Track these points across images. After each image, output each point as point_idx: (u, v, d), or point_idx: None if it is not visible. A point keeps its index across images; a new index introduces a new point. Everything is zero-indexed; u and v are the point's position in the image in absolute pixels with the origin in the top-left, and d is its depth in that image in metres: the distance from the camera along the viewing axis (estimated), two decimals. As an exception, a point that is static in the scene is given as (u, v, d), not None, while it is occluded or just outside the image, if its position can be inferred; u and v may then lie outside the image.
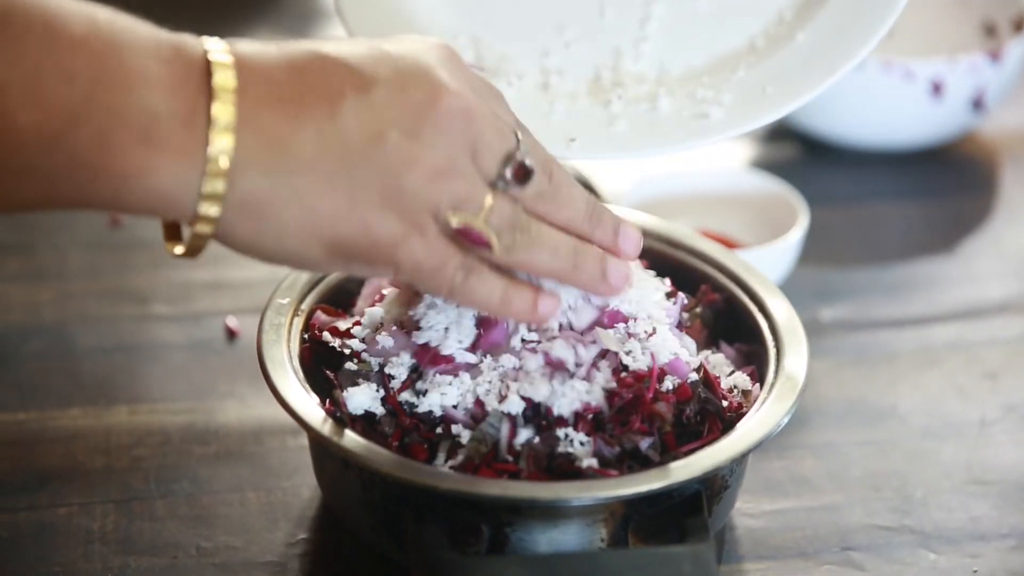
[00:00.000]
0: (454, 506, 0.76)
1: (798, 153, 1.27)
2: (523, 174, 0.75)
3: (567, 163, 0.99)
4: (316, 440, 0.81)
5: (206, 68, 0.69)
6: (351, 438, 0.78)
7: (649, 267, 0.88)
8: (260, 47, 0.72)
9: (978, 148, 1.29)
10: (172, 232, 0.75)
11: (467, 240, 0.74)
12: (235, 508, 0.88)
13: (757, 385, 0.84)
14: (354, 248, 0.72)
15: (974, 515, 0.90)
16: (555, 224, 0.77)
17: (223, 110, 0.69)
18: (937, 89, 1.21)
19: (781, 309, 0.88)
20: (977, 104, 1.23)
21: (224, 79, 0.69)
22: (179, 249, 0.74)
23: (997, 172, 1.27)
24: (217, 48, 0.70)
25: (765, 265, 0.93)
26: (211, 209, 0.69)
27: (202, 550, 0.85)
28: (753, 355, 0.87)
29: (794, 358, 0.84)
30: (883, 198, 1.23)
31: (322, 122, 0.70)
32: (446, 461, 0.78)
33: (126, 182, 0.68)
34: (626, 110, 0.90)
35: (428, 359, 0.80)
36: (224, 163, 0.69)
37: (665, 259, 0.93)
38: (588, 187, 1.01)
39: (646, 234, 0.94)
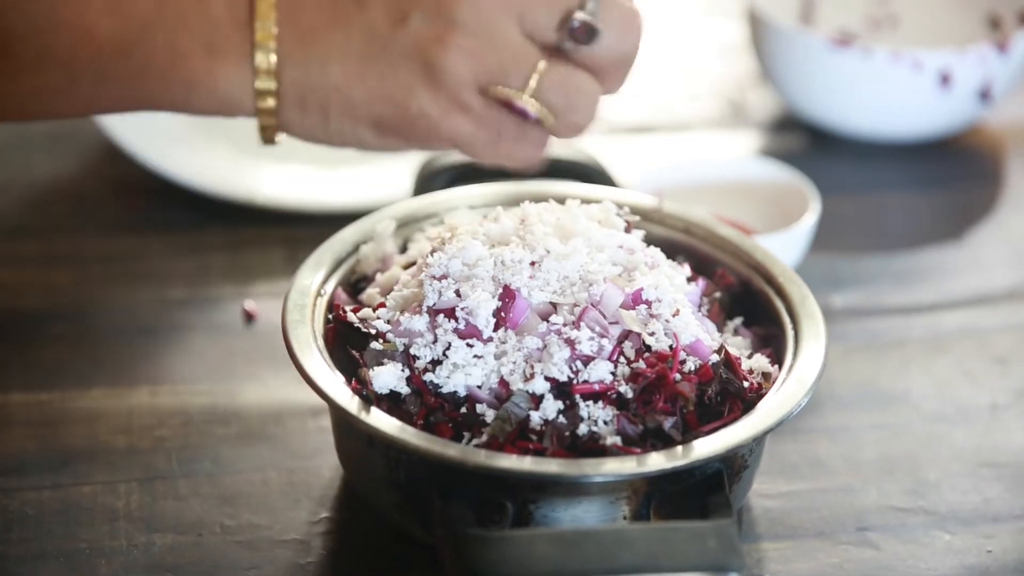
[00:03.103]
0: (480, 483, 0.77)
1: (806, 143, 1.28)
2: (584, 33, 0.74)
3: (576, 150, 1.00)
4: (342, 418, 0.81)
5: None
6: (378, 416, 0.79)
7: (665, 253, 0.89)
8: None
9: (984, 139, 1.30)
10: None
11: (513, 112, 0.75)
12: (257, 487, 0.89)
13: (776, 367, 0.85)
14: (398, 126, 0.75)
15: (987, 496, 0.91)
16: None
17: (266, 10, 0.73)
18: (945, 80, 1.22)
19: (797, 292, 0.89)
20: (984, 95, 1.24)
21: None
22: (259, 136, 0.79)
23: (1003, 162, 1.28)
24: None
25: (778, 252, 0.94)
26: (267, 103, 0.75)
27: (226, 528, 0.86)
28: (771, 338, 0.88)
29: (812, 340, 0.85)
30: (891, 188, 1.24)
31: (351, 10, 0.74)
32: (471, 440, 0.79)
33: (193, 88, 0.74)
34: None
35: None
36: (271, 60, 0.74)
37: (681, 245, 0.94)
38: (602, 175, 1.02)
39: (662, 220, 0.95)
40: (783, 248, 1.04)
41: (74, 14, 0.72)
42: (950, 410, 0.98)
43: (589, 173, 1.01)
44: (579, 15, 0.74)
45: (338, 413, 0.81)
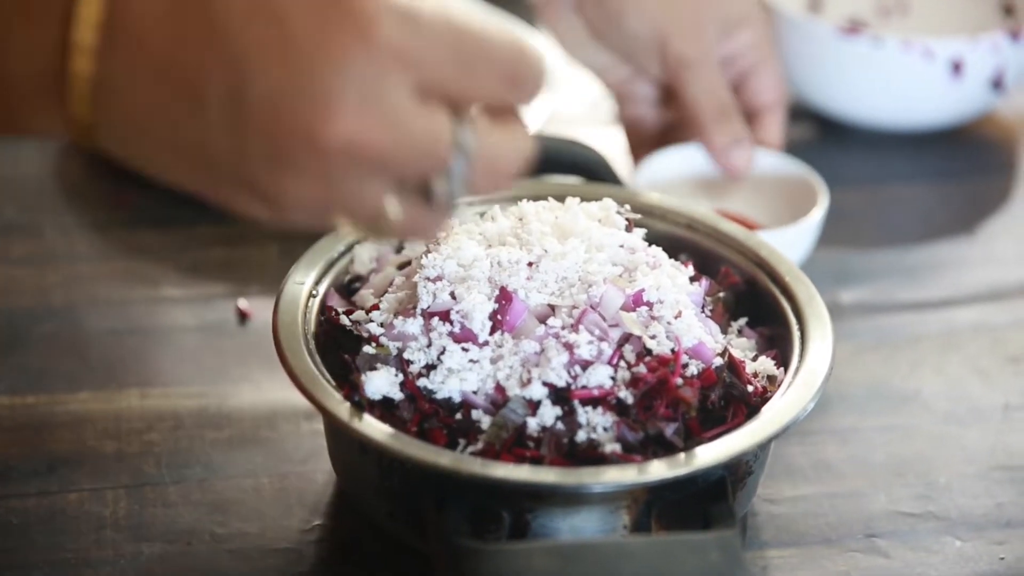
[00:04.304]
0: (475, 492, 0.75)
1: (815, 134, 1.26)
2: (444, 197, 0.66)
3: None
4: (333, 425, 0.79)
5: (70, 19, 0.63)
6: (370, 423, 0.76)
7: (668, 250, 0.87)
8: None
9: (997, 128, 1.27)
10: None
11: None
12: (249, 494, 0.87)
13: (781, 369, 0.83)
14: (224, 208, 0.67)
15: (999, 501, 0.88)
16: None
17: (80, 88, 0.63)
18: (957, 68, 1.19)
19: (804, 291, 0.86)
20: (997, 84, 1.21)
21: (85, 38, 0.63)
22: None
23: (1016, 152, 1.25)
24: None
25: (785, 247, 0.92)
26: (85, 143, 0.66)
27: (216, 536, 0.84)
28: (776, 338, 0.86)
29: (819, 342, 0.83)
30: (902, 179, 1.21)
31: (184, 108, 0.63)
32: (466, 447, 0.77)
33: (7, 126, 0.66)
34: None
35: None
36: (84, 122, 0.64)
37: (684, 242, 0.92)
38: (605, 167, 0.99)
39: (664, 216, 0.93)
40: (790, 244, 1.01)
41: None
42: (962, 411, 0.96)
43: (591, 166, 0.98)
44: (440, 186, 0.65)
45: (329, 420, 0.78)
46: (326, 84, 0.61)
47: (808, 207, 1.06)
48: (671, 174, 1.09)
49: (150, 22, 0.63)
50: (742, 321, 0.87)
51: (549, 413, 0.77)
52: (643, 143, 1.14)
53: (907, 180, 1.21)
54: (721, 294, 0.87)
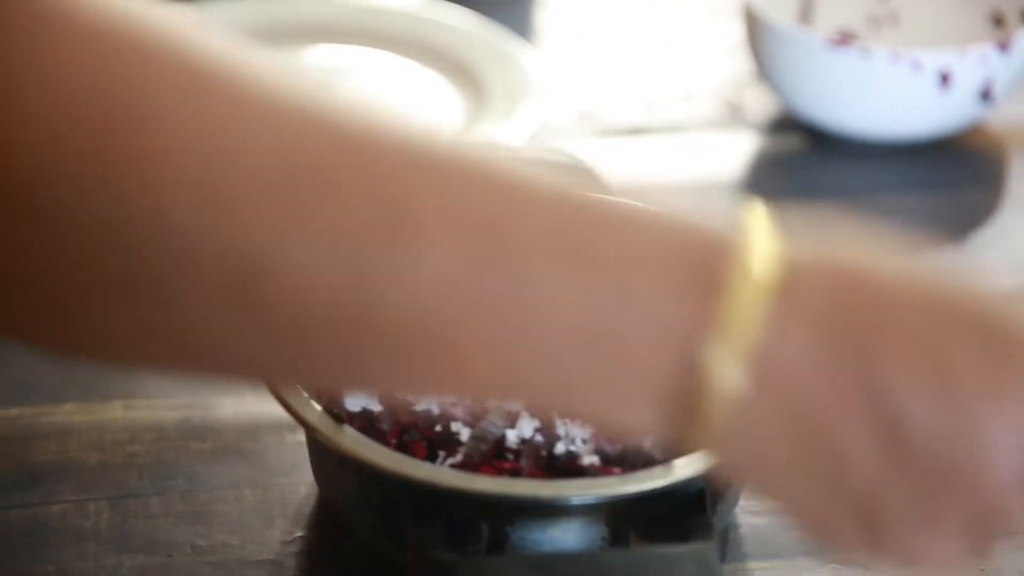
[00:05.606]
0: (453, 504, 0.75)
1: (803, 145, 1.26)
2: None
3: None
4: (313, 437, 0.79)
5: (725, 299, 0.54)
6: (349, 435, 0.77)
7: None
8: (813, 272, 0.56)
9: (986, 140, 1.27)
10: None
11: None
12: (231, 505, 0.87)
13: (762, 381, 0.83)
14: None
15: (983, 513, 0.88)
16: None
17: (725, 403, 0.54)
18: (945, 80, 1.19)
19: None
20: (985, 95, 1.21)
21: (732, 365, 0.54)
22: None
23: (1005, 164, 1.25)
24: (759, 280, 0.54)
25: None
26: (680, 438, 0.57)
27: (197, 548, 0.84)
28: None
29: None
30: (890, 190, 1.22)
31: (821, 461, 0.57)
32: (445, 459, 0.77)
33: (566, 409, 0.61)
34: None
35: None
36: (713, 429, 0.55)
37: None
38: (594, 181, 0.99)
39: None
40: None
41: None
42: (946, 422, 0.96)
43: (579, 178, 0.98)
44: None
45: (309, 432, 0.78)
46: (991, 435, 0.56)
47: None
48: None
49: (802, 381, 0.56)
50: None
51: (528, 425, 0.77)
52: None
53: (896, 191, 1.21)
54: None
